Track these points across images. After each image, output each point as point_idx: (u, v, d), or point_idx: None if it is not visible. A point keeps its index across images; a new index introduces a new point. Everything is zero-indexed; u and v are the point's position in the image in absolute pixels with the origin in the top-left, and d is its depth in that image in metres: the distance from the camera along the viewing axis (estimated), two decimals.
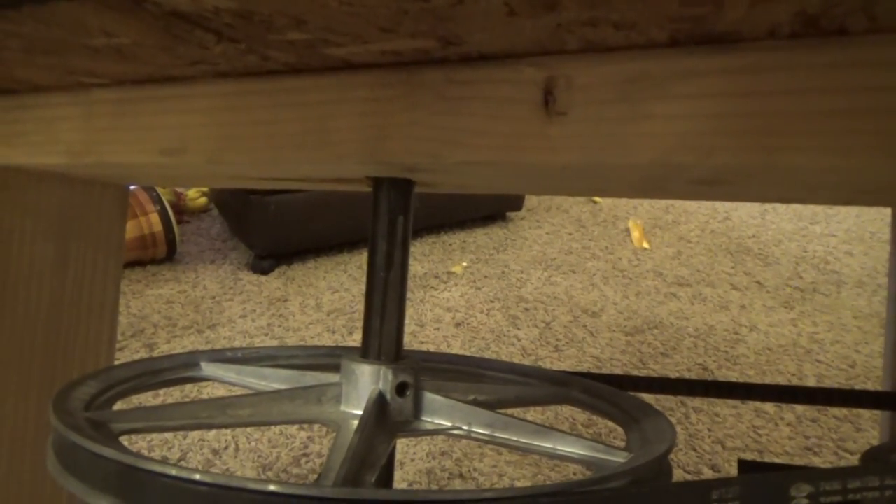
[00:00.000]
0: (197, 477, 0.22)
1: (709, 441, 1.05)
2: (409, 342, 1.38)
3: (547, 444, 0.33)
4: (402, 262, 0.37)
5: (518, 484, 0.94)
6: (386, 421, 0.34)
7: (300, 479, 0.96)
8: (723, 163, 0.24)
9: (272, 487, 0.22)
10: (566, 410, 1.12)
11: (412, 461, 0.99)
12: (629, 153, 0.25)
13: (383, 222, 0.36)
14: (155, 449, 1.00)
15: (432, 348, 1.36)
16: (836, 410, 1.14)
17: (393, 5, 0.24)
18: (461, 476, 0.96)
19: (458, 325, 1.47)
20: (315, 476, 0.99)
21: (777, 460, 1.02)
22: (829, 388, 0.43)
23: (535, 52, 0.27)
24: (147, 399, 1.03)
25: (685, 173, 0.26)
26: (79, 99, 0.40)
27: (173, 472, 0.22)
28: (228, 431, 1.05)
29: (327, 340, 1.39)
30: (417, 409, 0.36)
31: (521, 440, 0.33)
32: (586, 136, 0.26)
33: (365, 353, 0.37)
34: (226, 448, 1.01)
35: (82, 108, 0.40)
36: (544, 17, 0.23)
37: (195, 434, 1.03)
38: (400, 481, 0.95)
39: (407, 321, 1.48)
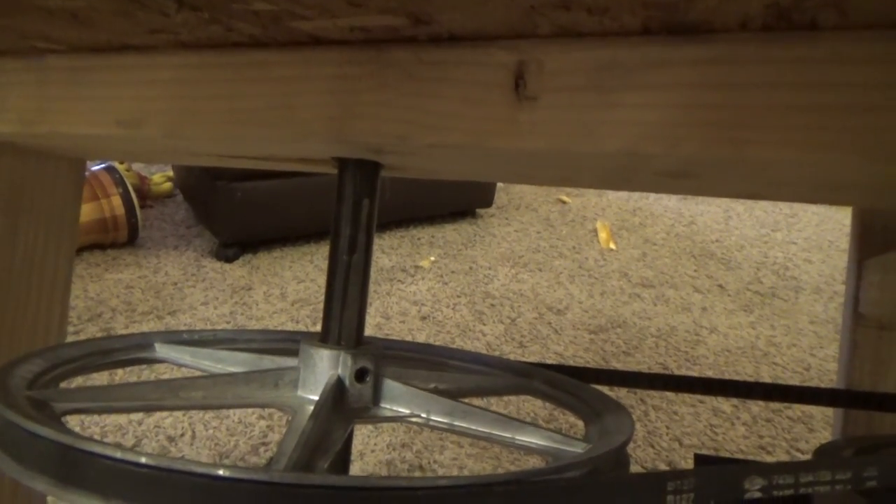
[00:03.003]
0: (142, 459, 0.21)
1: (667, 438, 1.07)
2: (374, 334, 1.37)
3: (506, 434, 0.32)
4: (365, 247, 0.36)
5: None
6: (343, 407, 0.33)
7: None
8: (690, 154, 0.24)
9: (220, 471, 0.21)
10: (528, 406, 1.13)
11: (372, 452, 0.98)
12: (597, 141, 0.25)
13: (347, 205, 0.36)
14: (109, 434, 0.97)
15: None
16: (790, 411, 1.16)
17: None
18: (421, 468, 0.96)
19: (423, 318, 1.47)
20: None
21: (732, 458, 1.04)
22: (786, 385, 0.44)
23: (506, 35, 0.27)
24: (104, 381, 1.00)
25: (652, 164, 0.26)
26: (32, 65, 0.38)
27: (117, 454, 0.21)
28: (185, 418, 1.02)
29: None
30: (376, 396, 0.35)
31: (481, 429, 0.33)
32: (556, 123, 0.26)
33: (325, 337, 0.36)
34: (182, 435, 0.99)
35: (35, 75, 0.38)
36: None
37: (150, 420, 1.01)
38: (359, 471, 0.94)
39: (373, 313, 1.47)
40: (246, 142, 0.34)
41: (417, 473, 0.94)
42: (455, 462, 0.96)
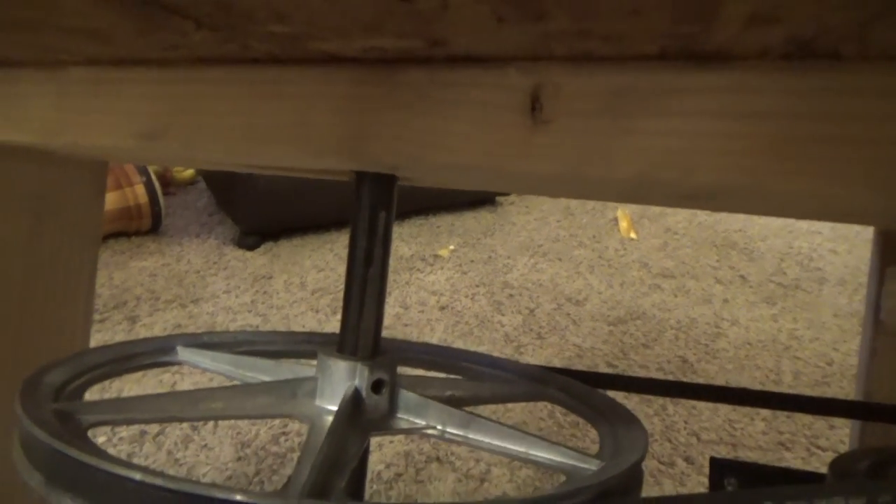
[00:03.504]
0: (160, 482, 0.22)
1: (684, 433, 1.07)
2: (393, 324, 1.38)
3: (520, 448, 0.33)
4: (382, 258, 0.37)
5: (494, 470, 0.95)
6: (360, 419, 0.34)
7: (278, 457, 0.96)
8: (704, 182, 0.24)
9: (238, 497, 0.21)
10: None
11: (391, 443, 0.99)
12: (612, 167, 0.25)
13: (364, 217, 0.36)
14: (134, 424, 0.99)
15: (415, 331, 1.36)
16: None
17: (377, 4, 0.23)
18: (438, 459, 0.97)
19: (442, 308, 1.47)
20: (294, 455, 1.00)
21: (750, 454, 1.04)
22: (802, 395, 0.44)
23: (523, 57, 0.27)
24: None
25: (666, 189, 0.26)
26: (53, 76, 0.39)
27: (138, 476, 0.22)
28: None
29: (311, 319, 1.39)
30: (392, 407, 0.36)
31: (495, 443, 0.33)
32: (570, 147, 0.26)
33: (342, 347, 0.37)
34: (204, 424, 1.01)
35: (57, 86, 0.39)
36: (533, 25, 0.23)
37: None
38: (377, 463, 0.95)
39: (391, 303, 1.48)
40: (262, 157, 0.34)
41: (434, 465, 0.95)
42: (472, 455, 0.97)
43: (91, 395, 0.37)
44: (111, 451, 0.92)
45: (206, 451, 0.95)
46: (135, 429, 0.97)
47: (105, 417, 0.31)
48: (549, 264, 1.76)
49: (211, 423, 1.01)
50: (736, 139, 0.23)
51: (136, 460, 0.91)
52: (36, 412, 0.28)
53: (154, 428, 0.98)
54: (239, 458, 0.94)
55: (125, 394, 1.05)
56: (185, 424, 1.00)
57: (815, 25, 0.20)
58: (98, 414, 0.31)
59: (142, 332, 1.28)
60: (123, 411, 0.32)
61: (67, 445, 0.24)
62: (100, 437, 0.94)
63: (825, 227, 2.14)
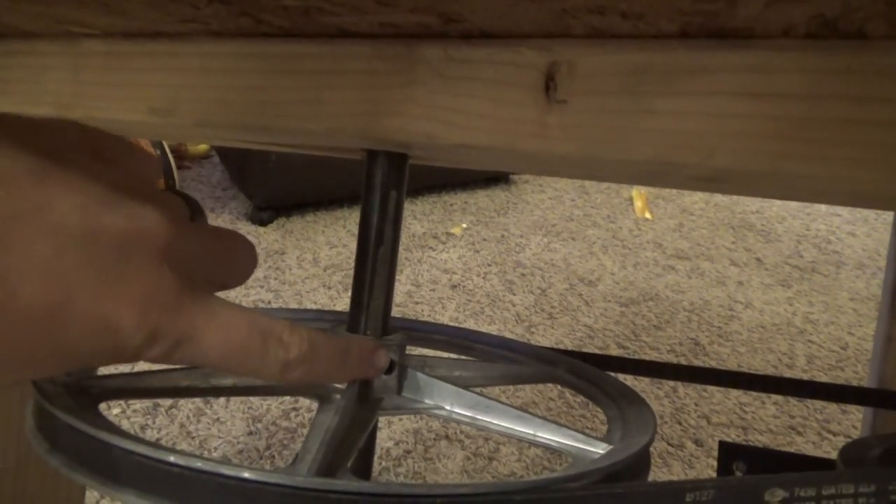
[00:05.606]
0: (171, 458, 0.22)
1: (694, 416, 1.07)
2: (405, 302, 1.39)
3: (527, 431, 0.33)
4: (392, 238, 0.36)
5: (502, 448, 0.96)
6: (368, 398, 0.34)
7: (289, 432, 0.97)
8: (723, 165, 0.23)
9: (245, 474, 0.21)
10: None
11: (400, 420, 1.00)
12: (628, 149, 0.24)
13: (375, 196, 0.36)
14: None
15: (427, 309, 1.37)
16: None
17: None
18: (447, 437, 0.98)
19: (454, 287, 1.47)
20: (304, 431, 1.01)
21: (761, 438, 1.03)
22: (814, 381, 0.43)
23: (538, 34, 0.26)
24: None
25: (684, 171, 0.26)
26: (68, 49, 0.39)
27: (146, 451, 0.22)
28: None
29: (323, 296, 1.40)
30: (401, 387, 0.36)
31: (502, 424, 0.33)
32: (585, 128, 0.25)
33: (351, 327, 0.37)
34: (217, 398, 1.02)
35: (71, 59, 0.39)
36: (549, 1, 0.22)
37: None
38: (386, 440, 0.96)
39: (403, 281, 1.48)
40: (274, 133, 0.34)
41: (443, 443, 0.96)
42: (481, 433, 0.98)
43: (104, 368, 0.37)
44: (125, 423, 0.93)
45: (218, 425, 0.96)
46: (148, 401, 0.99)
47: (116, 391, 0.32)
48: (563, 244, 1.75)
49: (223, 398, 1.02)
50: (757, 120, 0.22)
51: (149, 433, 0.92)
52: (48, 385, 0.29)
53: (167, 401, 0.99)
54: (250, 433, 0.95)
55: (137, 367, 1.06)
56: (197, 398, 1.01)
57: (840, 4, 0.19)
58: (109, 387, 0.32)
59: None
60: (134, 385, 0.32)
61: (77, 419, 0.24)
62: (114, 408, 0.95)
63: (844, 209, 2.11)
